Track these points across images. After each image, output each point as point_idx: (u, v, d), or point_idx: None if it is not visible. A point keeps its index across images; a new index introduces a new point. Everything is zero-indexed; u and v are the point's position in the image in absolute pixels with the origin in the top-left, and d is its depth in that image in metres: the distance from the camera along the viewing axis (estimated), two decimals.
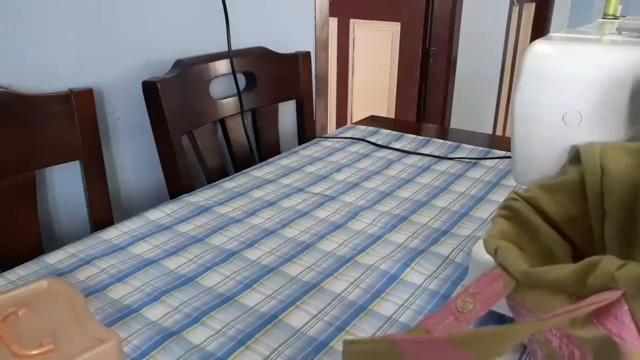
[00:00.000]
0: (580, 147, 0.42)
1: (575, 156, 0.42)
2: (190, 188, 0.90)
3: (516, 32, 2.87)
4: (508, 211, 0.40)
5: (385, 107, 2.54)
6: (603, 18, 0.72)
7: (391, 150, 1.01)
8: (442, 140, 1.07)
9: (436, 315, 0.30)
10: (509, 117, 3.08)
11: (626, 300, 0.27)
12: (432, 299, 0.55)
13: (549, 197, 0.40)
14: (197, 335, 0.50)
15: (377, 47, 2.47)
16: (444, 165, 0.94)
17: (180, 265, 0.62)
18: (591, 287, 0.28)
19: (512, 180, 0.86)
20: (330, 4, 1.41)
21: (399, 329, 0.51)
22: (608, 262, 0.27)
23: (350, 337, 0.49)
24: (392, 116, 2.50)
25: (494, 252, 0.34)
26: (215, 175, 1.01)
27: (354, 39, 2.55)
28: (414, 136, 1.10)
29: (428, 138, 1.08)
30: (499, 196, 0.81)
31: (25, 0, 0.76)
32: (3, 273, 0.60)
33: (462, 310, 0.30)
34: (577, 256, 0.40)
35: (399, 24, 2.36)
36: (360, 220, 0.73)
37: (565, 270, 0.29)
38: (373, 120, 1.24)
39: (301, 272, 0.60)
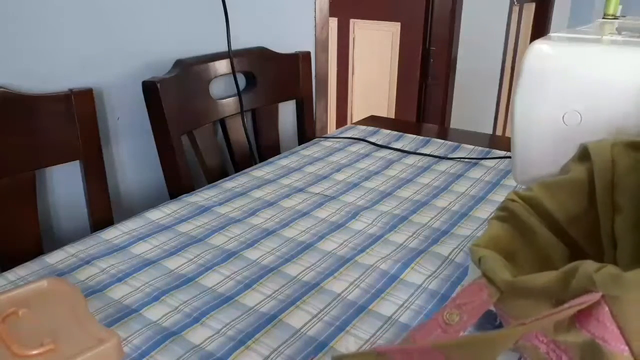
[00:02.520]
0: (589, 144, 0.42)
1: (583, 153, 0.42)
2: (190, 188, 0.90)
3: (516, 32, 2.87)
4: (505, 212, 0.39)
5: (385, 107, 2.54)
6: (603, 18, 0.72)
7: (391, 150, 1.01)
8: (442, 140, 1.07)
9: (424, 328, 0.30)
10: (509, 117, 3.08)
11: (606, 302, 0.27)
12: (432, 299, 0.55)
13: (551, 196, 0.39)
14: (197, 335, 0.50)
15: (377, 47, 2.47)
16: (444, 165, 0.94)
17: (180, 265, 0.62)
18: (573, 292, 0.28)
19: (512, 180, 0.86)
20: (330, 4, 1.41)
21: (399, 329, 0.51)
22: (587, 265, 0.27)
23: (338, 354, 0.49)
24: (392, 116, 2.50)
25: (478, 262, 0.34)
26: (215, 175, 1.01)
27: (354, 39, 2.55)
28: (414, 136, 1.10)
29: (428, 138, 1.08)
30: (499, 196, 0.81)
31: (26, 0, 0.76)
32: (3, 273, 0.60)
33: (448, 322, 0.30)
34: (574, 259, 0.40)
35: (399, 24, 2.36)
36: (360, 220, 0.73)
37: (548, 276, 0.29)
38: (373, 120, 1.24)
39: (301, 272, 0.60)
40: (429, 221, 0.73)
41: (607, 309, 0.27)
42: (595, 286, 0.27)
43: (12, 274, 0.59)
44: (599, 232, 0.39)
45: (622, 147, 0.40)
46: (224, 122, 1.06)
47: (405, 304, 0.55)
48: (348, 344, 0.49)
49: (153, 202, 0.97)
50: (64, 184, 0.86)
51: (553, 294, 0.29)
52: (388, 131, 1.13)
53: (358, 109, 2.66)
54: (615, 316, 0.27)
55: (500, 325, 0.46)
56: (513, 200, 0.40)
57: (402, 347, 0.25)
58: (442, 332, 0.30)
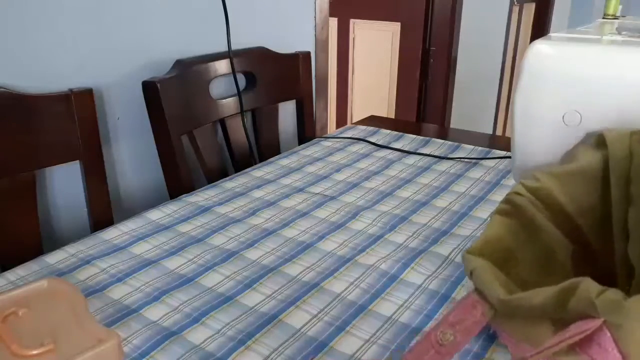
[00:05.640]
0: (605, 131, 0.40)
1: (598, 141, 0.41)
2: (190, 188, 0.90)
3: (516, 32, 2.87)
4: (509, 206, 0.38)
5: (385, 107, 2.54)
6: (603, 18, 0.72)
7: (391, 150, 1.01)
8: (442, 140, 1.07)
9: (417, 348, 0.29)
10: (509, 117, 3.08)
11: (608, 327, 0.26)
12: (432, 299, 0.55)
13: (561, 186, 0.38)
14: (197, 335, 0.50)
15: (377, 47, 2.47)
16: (444, 165, 0.94)
17: (180, 265, 0.62)
18: (572, 311, 0.27)
19: (512, 180, 0.86)
20: (330, 4, 1.41)
21: (399, 329, 0.51)
22: (587, 287, 0.27)
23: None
24: (392, 116, 2.50)
25: (470, 275, 0.33)
26: (215, 175, 1.01)
27: (354, 39, 2.55)
28: (414, 136, 1.10)
29: (428, 138, 1.08)
30: (499, 196, 0.81)
31: (25, 0, 0.76)
32: (3, 273, 0.60)
33: (442, 342, 0.29)
34: (579, 255, 0.40)
35: (399, 24, 2.36)
36: (360, 220, 0.73)
37: (545, 295, 0.28)
38: (373, 120, 1.24)
39: (301, 272, 0.60)
40: (429, 221, 0.73)
41: (609, 334, 0.26)
42: (596, 312, 0.26)
43: (12, 274, 0.59)
44: (610, 224, 0.38)
45: None
46: (224, 122, 1.06)
47: (405, 304, 0.55)
48: (348, 344, 0.49)
49: (153, 202, 0.97)
50: (64, 184, 0.86)
51: (550, 313, 0.28)
52: (388, 131, 1.13)
53: (358, 109, 2.66)
54: (617, 342, 0.26)
55: (494, 334, 0.45)
56: (519, 194, 0.39)
57: None
58: (435, 354, 0.29)
